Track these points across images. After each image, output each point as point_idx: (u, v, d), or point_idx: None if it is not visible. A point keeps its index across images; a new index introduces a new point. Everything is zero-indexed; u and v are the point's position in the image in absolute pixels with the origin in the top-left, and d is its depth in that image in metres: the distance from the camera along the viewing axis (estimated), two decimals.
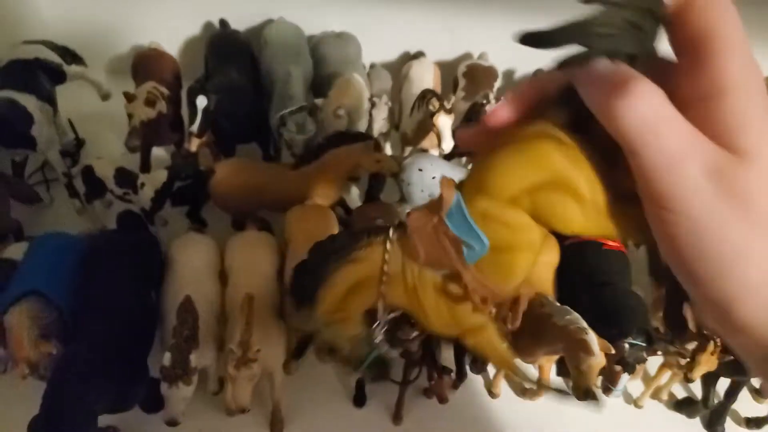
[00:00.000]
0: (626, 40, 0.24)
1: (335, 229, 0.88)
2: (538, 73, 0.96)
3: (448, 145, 1.01)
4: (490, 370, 0.91)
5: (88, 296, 0.72)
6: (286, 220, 0.88)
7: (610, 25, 0.23)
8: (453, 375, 0.84)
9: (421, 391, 0.86)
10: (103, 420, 0.68)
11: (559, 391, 0.81)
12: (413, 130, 1.06)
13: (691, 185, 0.25)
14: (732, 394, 0.87)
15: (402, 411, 0.83)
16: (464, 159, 1.09)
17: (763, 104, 0.25)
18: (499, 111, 0.31)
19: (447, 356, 0.86)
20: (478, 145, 0.33)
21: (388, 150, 1.10)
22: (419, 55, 1.18)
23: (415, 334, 0.73)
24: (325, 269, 0.33)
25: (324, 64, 1.05)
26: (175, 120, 0.95)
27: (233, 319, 0.78)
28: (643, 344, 0.77)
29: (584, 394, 0.69)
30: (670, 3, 0.25)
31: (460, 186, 0.32)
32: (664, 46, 0.27)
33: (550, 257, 0.94)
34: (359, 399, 0.85)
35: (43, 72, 0.95)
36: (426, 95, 0.99)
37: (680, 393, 0.95)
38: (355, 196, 1.07)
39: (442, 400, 0.82)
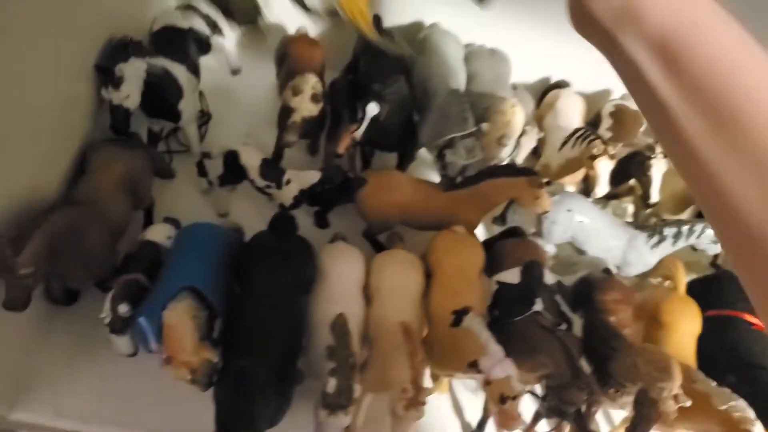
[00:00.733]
0: None
1: (481, 262, 0.83)
2: None
3: (602, 190, 0.96)
4: None
5: (249, 302, 0.67)
6: (434, 245, 0.82)
7: None
8: None
9: None
10: None
11: None
12: (560, 165, 1.01)
13: None
14: None
15: None
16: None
17: None
18: None
19: None
20: None
21: None
22: (564, 84, 1.12)
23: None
24: None
25: (475, 81, 0.99)
26: (323, 117, 0.89)
27: (378, 345, 0.73)
28: None
29: None
30: None
31: None
32: None
33: (692, 326, 0.89)
34: None
35: (194, 42, 0.89)
36: (587, 135, 0.94)
37: None
38: None
39: None
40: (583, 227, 0.94)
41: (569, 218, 0.93)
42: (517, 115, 0.89)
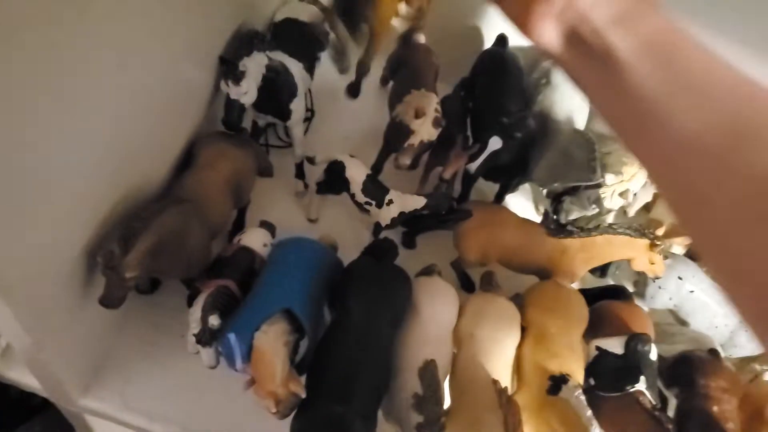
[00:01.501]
0: None
1: (585, 325, 0.76)
2: None
3: None
4: None
5: (345, 336, 0.62)
6: (538, 298, 0.77)
7: None
8: None
9: None
10: None
11: None
12: (672, 224, 0.93)
13: None
14: None
15: None
16: None
17: None
18: None
19: None
20: None
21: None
22: None
23: None
24: None
25: (597, 120, 0.91)
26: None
27: (466, 400, 0.68)
28: None
29: None
30: None
31: None
32: None
33: None
34: None
35: (313, 38, 0.85)
36: None
37: None
38: None
39: None
40: (692, 298, 0.86)
41: (679, 286, 0.86)
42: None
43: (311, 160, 0.81)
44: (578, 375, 0.72)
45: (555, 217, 0.80)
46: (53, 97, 0.44)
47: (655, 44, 0.38)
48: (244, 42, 0.72)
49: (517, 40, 0.98)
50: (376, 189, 0.79)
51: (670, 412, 0.80)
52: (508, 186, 0.90)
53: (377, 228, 0.82)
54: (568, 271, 0.81)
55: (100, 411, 0.70)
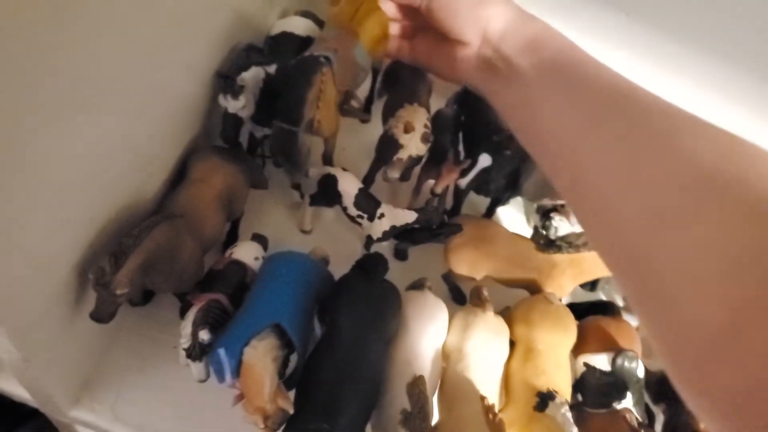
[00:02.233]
0: None
1: (573, 342, 0.77)
2: None
3: None
4: None
5: (334, 352, 0.63)
6: (527, 315, 0.77)
7: None
8: None
9: None
10: None
11: None
12: None
13: None
14: None
15: None
16: None
17: None
18: None
19: None
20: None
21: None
22: None
23: None
24: None
25: None
26: None
27: (454, 414, 0.68)
28: None
29: None
30: None
31: None
32: None
33: None
34: None
35: (307, 49, 0.85)
36: None
37: None
38: None
39: None
40: None
41: None
42: None
43: (305, 173, 0.81)
44: (565, 391, 0.72)
45: (544, 232, 0.81)
46: (44, 114, 0.44)
47: (554, 65, 0.47)
48: (241, 56, 0.73)
49: None
50: (368, 202, 0.80)
51: (658, 428, 0.81)
52: (499, 200, 0.91)
53: (369, 241, 0.83)
54: (557, 286, 0.82)
55: (91, 423, 0.70)
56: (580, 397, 0.76)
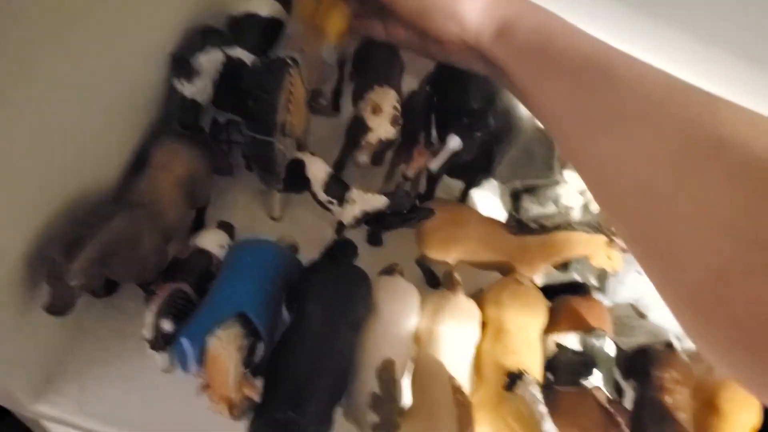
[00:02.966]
0: None
1: (544, 322, 0.77)
2: None
3: None
4: None
5: (301, 340, 0.62)
6: (498, 296, 0.76)
7: None
8: None
9: None
10: None
11: None
12: None
13: None
14: None
15: None
16: None
17: None
18: None
19: None
20: None
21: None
22: None
23: None
24: None
25: None
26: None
27: (424, 397, 0.68)
28: None
29: None
30: None
31: None
32: None
33: (752, 419, 0.83)
34: None
35: (271, 31, 0.83)
36: None
37: None
38: None
39: None
40: (650, 292, 0.88)
41: (637, 280, 0.87)
42: None
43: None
44: (536, 371, 0.73)
45: (515, 214, 0.81)
46: None
47: (528, 48, 0.46)
48: (197, 38, 0.71)
49: None
50: (337, 188, 0.78)
51: (628, 404, 0.82)
52: (472, 183, 0.90)
53: (340, 227, 0.82)
54: (529, 267, 0.82)
55: (55, 417, 0.69)
56: (551, 377, 0.76)
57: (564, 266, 0.95)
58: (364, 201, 0.78)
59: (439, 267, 0.86)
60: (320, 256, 0.71)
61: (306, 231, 0.85)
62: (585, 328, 0.77)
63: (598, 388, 0.73)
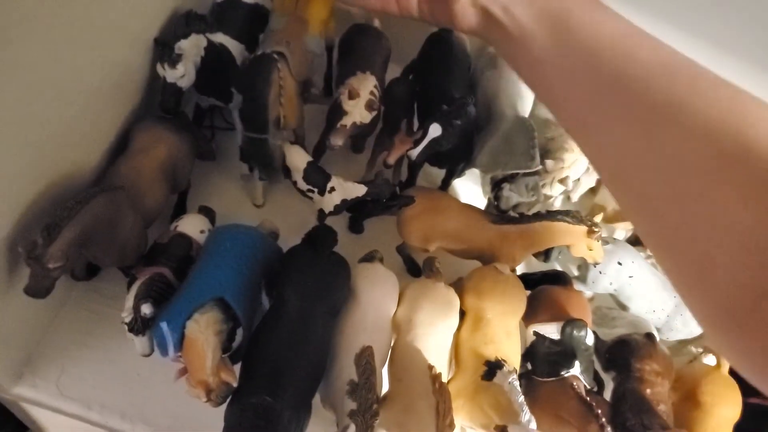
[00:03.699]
0: None
1: (523, 311, 0.78)
2: None
3: None
4: None
5: (279, 326, 0.62)
6: (477, 285, 0.77)
7: None
8: None
9: None
10: None
11: None
12: (616, 209, 0.95)
13: None
14: None
15: None
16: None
17: None
18: None
19: None
20: None
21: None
22: None
23: None
24: None
25: (540, 106, 0.92)
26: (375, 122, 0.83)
27: (402, 384, 0.68)
28: None
29: None
30: None
31: None
32: None
33: (732, 412, 0.84)
34: None
35: (254, 17, 0.82)
36: None
37: None
38: None
39: None
40: (631, 284, 0.89)
41: (619, 271, 0.88)
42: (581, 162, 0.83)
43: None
44: (514, 360, 0.73)
45: (496, 203, 0.81)
46: None
47: (550, 12, 0.42)
48: (180, 24, 0.70)
49: None
50: (317, 176, 0.79)
51: (608, 395, 0.82)
52: (453, 172, 0.90)
53: (321, 215, 0.82)
54: (509, 256, 0.82)
55: (35, 399, 0.69)
56: (529, 366, 0.77)
57: (546, 256, 0.96)
58: (344, 189, 0.78)
59: (420, 255, 0.87)
60: (300, 243, 0.71)
61: (288, 217, 0.85)
62: (565, 318, 0.77)
63: (577, 377, 0.74)
